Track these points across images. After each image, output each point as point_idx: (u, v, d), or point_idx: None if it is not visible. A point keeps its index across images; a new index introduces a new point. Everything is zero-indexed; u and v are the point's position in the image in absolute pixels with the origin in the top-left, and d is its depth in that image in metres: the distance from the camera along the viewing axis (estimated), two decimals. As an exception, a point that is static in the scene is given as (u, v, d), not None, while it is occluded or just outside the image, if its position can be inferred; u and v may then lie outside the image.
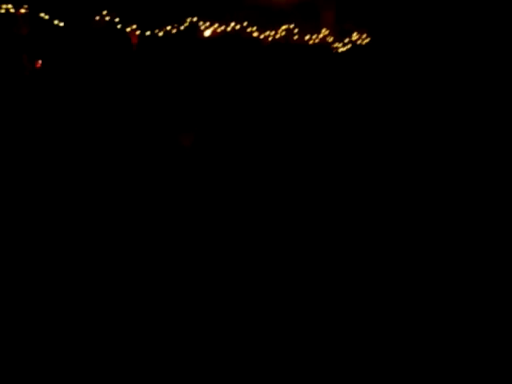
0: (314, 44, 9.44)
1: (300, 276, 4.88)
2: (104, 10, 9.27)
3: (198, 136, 8.93)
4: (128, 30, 9.30)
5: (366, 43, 9.76)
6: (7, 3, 9.33)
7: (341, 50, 9.71)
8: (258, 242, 5.58)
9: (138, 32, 9.38)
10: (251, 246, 5.54)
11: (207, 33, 9.25)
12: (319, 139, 9.39)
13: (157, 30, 9.43)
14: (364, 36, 9.67)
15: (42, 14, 9.36)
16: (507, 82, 9.74)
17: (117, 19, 9.28)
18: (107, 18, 9.30)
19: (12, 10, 9.29)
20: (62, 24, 9.44)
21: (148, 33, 9.42)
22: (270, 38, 9.37)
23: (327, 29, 9.54)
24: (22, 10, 9.37)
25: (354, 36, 9.62)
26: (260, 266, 5.02)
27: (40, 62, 9.29)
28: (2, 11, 9.29)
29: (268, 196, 7.04)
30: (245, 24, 9.37)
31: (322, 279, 4.79)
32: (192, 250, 5.37)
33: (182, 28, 9.30)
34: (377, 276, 4.81)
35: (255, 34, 9.41)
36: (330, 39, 9.63)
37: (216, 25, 9.26)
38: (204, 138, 8.94)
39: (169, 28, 9.42)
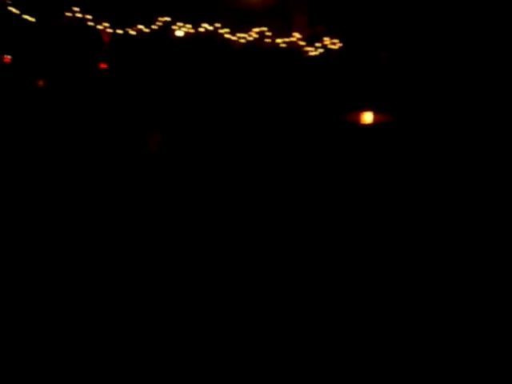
0: (285, 47, 9.49)
1: (298, 276, 4.92)
2: (76, 6, 9.22)
3: (166, 135, 8.93)
4: (100, 27, 9.26)
5: (338, 48, 9.83)
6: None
7: (312, 54, 9.77)
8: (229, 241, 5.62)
9: (109, 30, 9.35)
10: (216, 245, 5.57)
11: (179, 33, 9.24)
12: (287, 141, 9.44)
13: (129, 29, 9.41)
14: (336, 41, 9.74)
15: (12, 9, 9.27)
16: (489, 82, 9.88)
17: (89, 16, 9.25)
18: (79, 15, 9.26)
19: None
20: (32, 19, 9.36)
21: (120, 31, 9.39)
22: (242, 41, 9.39)
23: (299, 32, 9.59)
24: (-8, 5, 9.27)
25: (326, 40, 9.69)
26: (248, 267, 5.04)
27: (9, 57, 9.19)
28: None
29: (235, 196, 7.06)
30: (218, 25, 9.38)
31: (321, 279, 4.74)
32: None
33: (154, 27, 9.28)
34: (377, 276, 4.75)
35: (228, 36, 9.42)
36: (302, 43, 9.69)
37: (189, 25, 9.25)
38: (172, 137, 8.94)
39: (141, 27, 9.40)
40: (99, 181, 7.21)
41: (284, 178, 7.94)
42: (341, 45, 10.15)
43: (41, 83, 9.13)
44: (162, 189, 7.09)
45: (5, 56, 9.19)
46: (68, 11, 9.29)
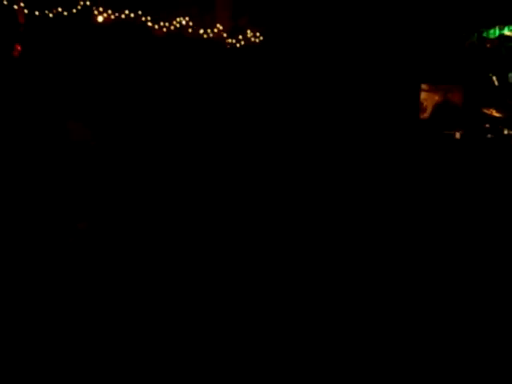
0: (208, 38, 9.48)
1: (294, 276, 4.96)
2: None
3: (88, 125, 8.88)
4: (15, 7, 8.91)
5: (261, 41, 9.90)
6: None
7: (235, 46, 9.81)
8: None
9: (26, 11, 9.00)
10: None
11: (100, 18, 9.04)
12: (208, 135, 9.60)
13: (47, 11, 9.09)
14: (258, 34, 9.80)
15: None
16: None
17: (4, -4, 8.84)
18: (-7, -6, 8.84)
19: None
20: None
21: (37, 13, 9.07)
22: (164, 30, 9.31)
23: (222, 24, 9.58)
24: None
25: (249, 33, 9.73)
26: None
27: None
28: None
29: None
30: (139, 13, 9.23)
31: (320, 279, 4.91)
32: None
33: (74, 11, 9.02)
34: (377, 276, 4.98)
35: (150, 24, 9.30)
36: (225, 35, 9.69)
37: (109, 11, 9.05)
38: (94, 127, 8.90)
39: (60, 10, 9.11)
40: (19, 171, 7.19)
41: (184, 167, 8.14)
42: (262, 38, 10.21)
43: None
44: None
45: None
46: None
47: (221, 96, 10.04)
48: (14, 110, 8.80)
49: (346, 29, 10.31)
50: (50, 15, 9.01)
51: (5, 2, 8.92)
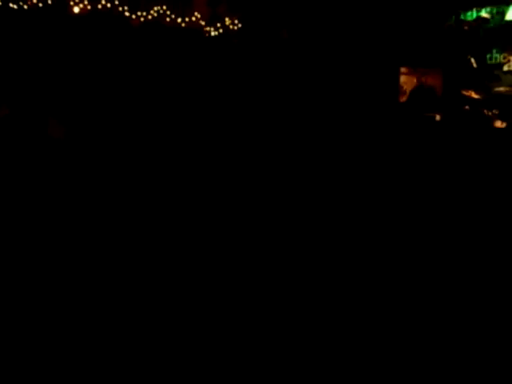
0: (186, 27, 9.40)
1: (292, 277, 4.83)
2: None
3: (69, 125, 8.77)
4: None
5: (239, 28, 9.84)
6: None
7: (213, 34, 9.74)
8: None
9: None
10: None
11: (76, 9, 8.91)
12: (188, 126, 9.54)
13: (21, 3, 8.94)
14: (236, 21, 9.74)
15: None
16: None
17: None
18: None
19: None
20: None
21: (11, 5, 8.91)
22: (141, 19, 9.20)
23: (200, 12, 9.50)
24: None
25: (227, 21, 9.66)
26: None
27: None
28: None
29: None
30: (116, 2, 9.11)
31: (319, 279, 4.78)
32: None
33: (49, 2, 8.88)
34: (377, 277, 4.84)
35: (126, 14, 9.19)
36: (203, 23, 9.62)
37: (85, 1, 8.93)
38: (75, 126, 8.78)
39: (35, 1, 8.96)
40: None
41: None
42: (241, 25, 10.15)
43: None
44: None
45: None
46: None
47: (201, 86, 9.97)
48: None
49: (324, 14, 10.28)
50: (25, 7, 8.85)
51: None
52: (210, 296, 4.42)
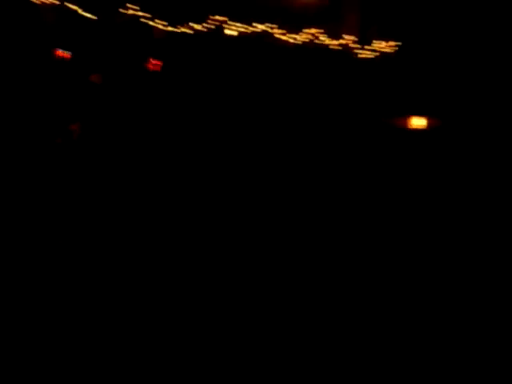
0: (336, 49, 9.43)
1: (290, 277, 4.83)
2: (128, 3, 9.47)
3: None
4: (151, 23, 9.45)
5: (391, 51, 9.70)
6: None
7: (364, 56, 9.67)
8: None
9: (161, 26, 9.52)
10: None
11: (232, 32, 9.33)
12: (336, 143, 9.31)
13: (180, 26, 9.56)
14: (389, 43, 9.61)
15: (71, 6, 9.58)
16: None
17: (141, 13, 9.46)
18: (132, 12, 9.49)
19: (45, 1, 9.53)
20: (89, 16, 9.64)
21: (172, 29, 9.55)
22: (292, 41, 9.39)
23: (350, 34, 9.52)
24: (53, 1, 9.60)
25: (378, 43, 9.57)
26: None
27: (69, 53, 9.44)
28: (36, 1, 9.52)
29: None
30: (268, 26, 9.42)
31: (319, 279, 4.76)
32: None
33: (207, 26, 9.40)
34: (377, 277, 4.78)
35: (278, 36, 9.44)
36: (353, 45, 9.60)
37: (239, 25, 9.33)
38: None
39: (193, 25, 9.54)
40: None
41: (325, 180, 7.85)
42: (393, 48, 10.02)
43: (95, 79, 9.33)
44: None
45: (64, 52, 9.45)
46: (123, 8, 9.54)
47: (350, 107, 9.81)
48: (148, 121, 9.08)
49: (482, 34, 9.89)
50: (185, 30, 9.44)
51: (142, 20, 9.51)
52: (210, 296, 4.38)
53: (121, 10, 9.54)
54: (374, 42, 10.00)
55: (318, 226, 6.22)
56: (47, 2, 9.48)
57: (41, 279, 4.59)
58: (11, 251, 5.05)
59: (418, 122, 9.66)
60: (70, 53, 9.62)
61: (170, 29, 9.53)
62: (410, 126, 9.17)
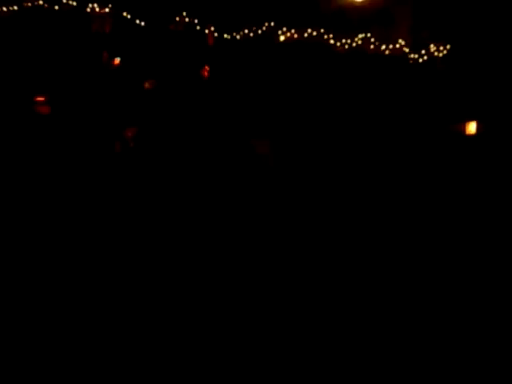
0: (389, 54, 9.34)
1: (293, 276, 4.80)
2: (183, 11, 9.49)
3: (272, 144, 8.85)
4: (206, 31, 9.46)
5: (444, 55, 9.59)
6: (93, 2, 9.66)
7: (417, 60, 9.58)
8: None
9: (215, 34, 9.52)
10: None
11: (282, 38, 9.29)
12: (386, 149, 9.22)
13: (234, 33, 9.55)
14: (442, 47, 9.51)
15: (125, 14, 9.64)
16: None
17: (195, 20, 9.48)
18: (186, 20, 9.51)
19: (97, 9, 9.61)
20: (143, 23, 9.69)
21: (225, 35, 9.55)
22: (346, 46, 9.33)
23: (403, 38, 9.43)
24: (106, 9, 9.67)
25: (432, 47, 9.47)
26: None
27: (118, 59, 9.52)
28: (88, 10, 9.62)
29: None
30: (321, 31, 9.37)
31: (320, 279, 4.72)
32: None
33: (259, 32, 9.38)
34: (377, 277, 4.75)
35: (331, 42, 9.38)
36: (406, 49, 9.51)
37: (292, 30, 9.29)
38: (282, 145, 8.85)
39: (246, 31, 9.52)
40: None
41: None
42: (446, 52, 9.91)
43: (147, 85, 9.36)
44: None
45: (115, 58, 9.51)
46: (177, 15, 9.57)
47: (407, 114, 9.72)
48: (202, 126, 9.07)
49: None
50: (238, 37, 9.42)
51: (197, 28, 9.53)
52: (210, 296, 4.37)
53: (176, 18, 9.58)
54: (427, 45, 9.91)
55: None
56: (102, 11, 9.57)
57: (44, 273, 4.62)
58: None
59: (472, 128, 9.54)
60: (119, 59, 9.69)
61: (221, 35, 9.53)
62: (467, 132, 9.05)
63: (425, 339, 3.77)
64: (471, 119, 9.41)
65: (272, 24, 9.41)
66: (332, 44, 9.59)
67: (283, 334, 3.81)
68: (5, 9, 9.62)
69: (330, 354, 3.60)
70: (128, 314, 4.07)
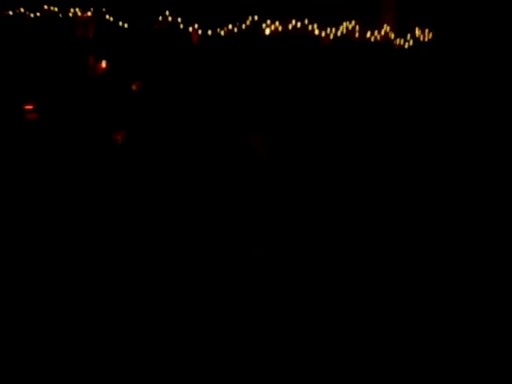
0: (375, 41, 9.33)
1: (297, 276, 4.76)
2: (166, 10, 9.46)
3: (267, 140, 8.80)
4: (190, 29, 9.42)
5: (429, 39, 9.59)
6: (74, 7, 9.61)
7: (403, 46, 9.58)
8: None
9: (199, 31, 9.49)
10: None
11: (267, 31, 9.27)
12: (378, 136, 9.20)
13: (218, 29, 9.52)
14: (426, 32, 9.52)
15: (107, 17, 9.59)
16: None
17: (179, 19, 9.45)
18: (169, 19, 9.48)
19: (79, 14, 9.56)
20: (126, 25, 9.65)
21: (209, 32, 9.52)
22: (331, 37, 9.32)
23: (388, 25, 9.43)
24: (89, 13, 9.63)
25: (417, 32, 9.47)
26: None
27: (104, 62, 9.46)
28: (70, 15, 9.57)
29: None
30: (305, 22, 9.35)
31: (320, 279, 4.68)
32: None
33: (243, 27, 9.35)
34: (377, 277, 4.70)
35: (316, 32, 9.37)
36: (392, 36, 9.51)
37: (277, 23, 9.27)
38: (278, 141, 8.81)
39: (230, 27, 9.50)
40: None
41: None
42: (431, 36, 9.92)
43: (134, 87, 9.31)
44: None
45: (101, 62, 9.45)
46: (159, 15, 9.53)
47: (394, 98, 9.70)
48: (192, 124, 9.03)
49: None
50: (222, 33, 9.39)
51: (181, 26, 9.49)
52: (210, 296, 4.35)
53: (159, 17, 9.54)
54: (413, 30, 9.91)
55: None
56: (84, 15, 9.52)
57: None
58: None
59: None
60: (105, 62, 9.63)
61: (205, 32, 9.50)
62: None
63: (425, 338, 3.79)
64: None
65: (256, 18, 9.37)
66: (317, 34, 9.56)
67: (283, 334, 3.83)
68: (-15, 18, 9.56)
69: (330, 354, 3.62)
70: (127, 314, 4.07)
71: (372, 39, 9.64)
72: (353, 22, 9.54)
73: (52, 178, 6.49)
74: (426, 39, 9.74)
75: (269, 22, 9.38)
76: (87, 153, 7.85)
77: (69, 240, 5.42)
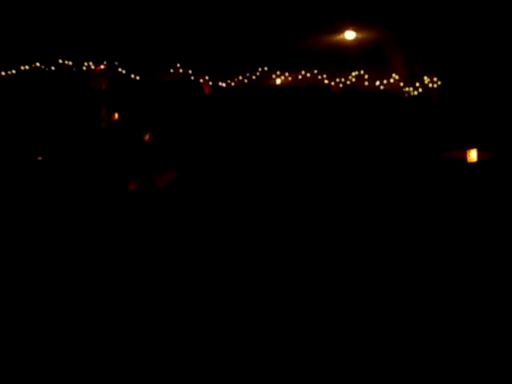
0: (384, 89, 9.42)
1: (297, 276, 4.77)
2: (177, 62, 9.65)
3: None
4: (201, 80, 9.59)
5: (438, 86, 9.67)
6: (88, 60, 9.83)
7: (412, 94, 9.65)
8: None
9: (210, 82, 9.64)
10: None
11: (278, 81, 9.40)
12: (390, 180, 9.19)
13: (229, 81, 9.68)
14: (435, 79, 9.60)
15: (120, 69, 9.79)
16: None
17: (190, 71, 9.63)
18: (181, 71, 9.65)
19: (92, 67, 9.78)
20: (138, 78, 9.84)
21: (221, 83, 9.68)
22: (340, 85, 9.42)
23: (397, 73, 9.53)
24: (102, 66, 9.84)
25: (425, 79, 9.56)
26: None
27: (116, 114, 9.62)
28: (84, 68, 9.80)
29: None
30: (315, 72, 9.48)
31: (320, 279, 4.68)
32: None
33: (253, 78, 9.50)
34: (377, 277, 4.70)
35: (326, 82, 9.48)
36: (401, 83, 9.60)
37: (286, 73, 9.41)
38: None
39: (241, 78, 9.65)
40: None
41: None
42: (440, 83, 9.99)
43: (147, 138, 9.45)
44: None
45: (114, 113, 9.63)
46: (171, 67, 9.71)
47: (404, 143, 9.74)
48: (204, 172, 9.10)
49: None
50: (232, 84, 9.55)
51: (192, 78, 9.67)
52: (210, 296, 4.38)
53: (170, 69, 9.73)
54: (421, 78, 10.00)
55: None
56: (98, 68, 9.74)
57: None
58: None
59: (473, 156, 9.52)
60: (118, 114, 9.81)
61: (216, 83, 9.65)
62: (469, 160, 9.03)
63: (424, 337, 3.75)
64: (472, 147, 9.41)
65: (266, 68, 9.52)
66: (327, 84, 9.67)
67: (283, 333, 3.81)
68: (3, 73, 9.79)
69: (330, 354, 3.59)
70: (126, 313, 4.08)
71: (381, 87, 9.73)
72: (361, 71, 9.64)
73: (67, 223, 6.61)
74: (436, 85, 9.81)
75: (278, 72, 9.52)
76: (101, 201, 7.96)
77: (69, 240, 5.52)
